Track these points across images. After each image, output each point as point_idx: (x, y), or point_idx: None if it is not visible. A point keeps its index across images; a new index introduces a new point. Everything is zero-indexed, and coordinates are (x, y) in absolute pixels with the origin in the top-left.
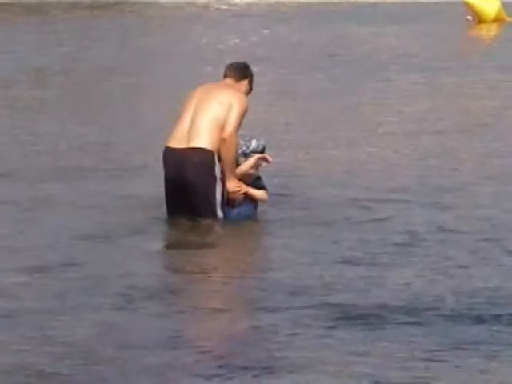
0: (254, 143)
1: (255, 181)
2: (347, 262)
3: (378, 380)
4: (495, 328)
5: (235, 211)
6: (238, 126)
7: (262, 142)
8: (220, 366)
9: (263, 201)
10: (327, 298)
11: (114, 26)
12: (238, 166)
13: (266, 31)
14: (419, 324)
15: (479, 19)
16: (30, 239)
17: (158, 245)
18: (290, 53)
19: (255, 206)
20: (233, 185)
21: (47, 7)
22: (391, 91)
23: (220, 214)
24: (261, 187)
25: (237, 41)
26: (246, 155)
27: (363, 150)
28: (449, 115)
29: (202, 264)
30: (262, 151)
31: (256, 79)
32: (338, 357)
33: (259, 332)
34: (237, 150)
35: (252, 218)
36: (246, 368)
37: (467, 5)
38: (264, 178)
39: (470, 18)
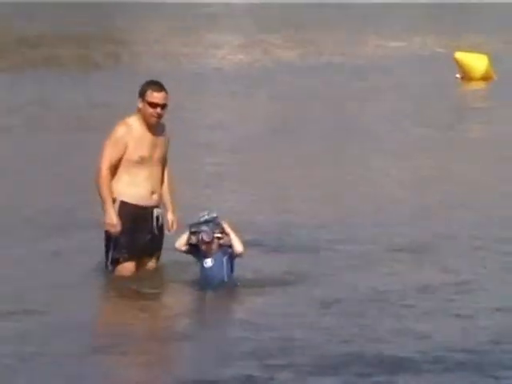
0: (202, 215)
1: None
2: None
3: None
4: None
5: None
6: (105, 159)
7: (205, 215)
8: None
9: (239, 252)
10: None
11: None
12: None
13: None
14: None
15: (467, 76)
16: None
17: None
18: None
19: (230, 258)
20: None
21: None
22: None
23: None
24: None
25: None
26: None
27: None
28: None
29: None
30: (205, 222)
31: None
32: None
33: None
34: (102, 183)
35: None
36: None
37: (456, 61)
38: None
39: (458, 76)
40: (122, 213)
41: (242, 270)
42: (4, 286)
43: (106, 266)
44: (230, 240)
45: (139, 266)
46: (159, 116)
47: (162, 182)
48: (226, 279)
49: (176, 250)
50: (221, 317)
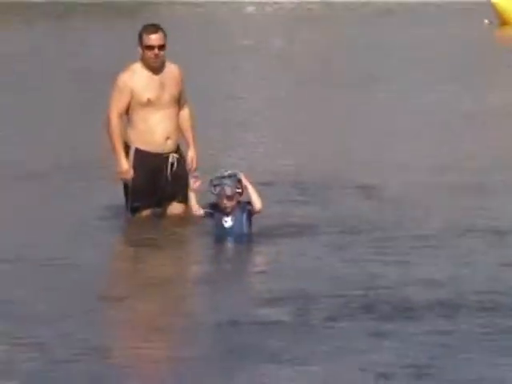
0: (224, 169)
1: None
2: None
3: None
4: None
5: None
6: (112, 107)
7: (228, 170)
8: None
9: (258, 209)
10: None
11: None
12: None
13: None
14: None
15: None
16: None
17: None
18: None
19: (249, 215)
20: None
21: None
22: None
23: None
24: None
25: None
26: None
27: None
28: None
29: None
30: (228, 176)
31: None
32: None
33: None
34: (111, 130)
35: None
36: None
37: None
38: None
39: (486, 21)
40: (136, 160)
41: (259, 218)
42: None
43: (127, 211)
44: (248, 195)
45: (164, 211)
46: (157, 57)
47: (179, 123)
48: (245, 232)
49: (195, 214)
50: (239, 265)
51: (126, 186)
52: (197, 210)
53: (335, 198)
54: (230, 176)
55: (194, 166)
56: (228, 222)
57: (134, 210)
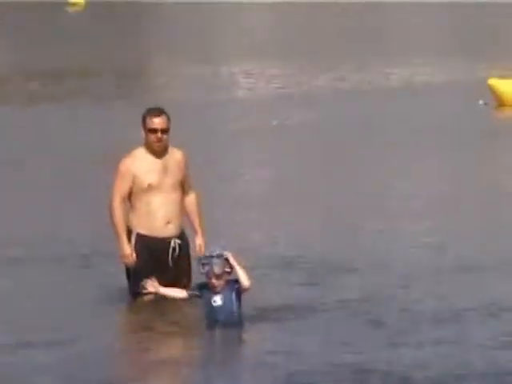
0: (213, 249)
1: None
2: None
3: None
4: None
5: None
6: (115, 192)
7: (216, 250)
8: None
9: (246, 287)
10: None
11: None
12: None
13: None
14: None
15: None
16: None
17: None
18: None
19: (238, 293)
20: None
21: None
22: None
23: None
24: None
25: None
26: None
27: None
28: None
29: None
30: (216, 256)
31: None
32: None
33: None
34: (113, 215)
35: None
36: None
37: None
38: None
39: (481, 102)
40: (138, 245)
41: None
42: None
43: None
44: (235, 274)
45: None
46: (159, 140)
47: (181, 208)
48: (235, 311)
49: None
50: (230, 354)
51: (128, 270)
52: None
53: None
54: (218, 256)
55: (202, 252)
56: (217, 301)
57: (135, 294)
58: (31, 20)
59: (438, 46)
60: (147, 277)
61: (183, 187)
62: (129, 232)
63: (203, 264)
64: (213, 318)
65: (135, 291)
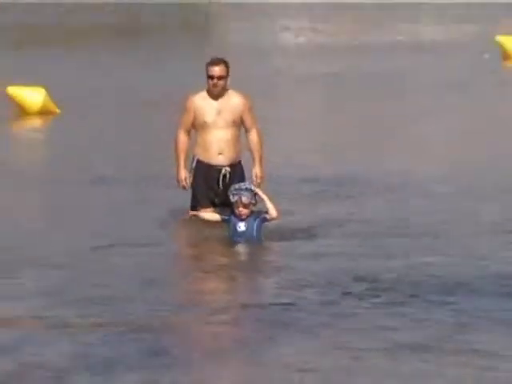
0: (243, 183)
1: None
2: None
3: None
4: None
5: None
6: (179, 125)
7: (246, 184)
8: None
9: (274, 216)
10: None
11: None
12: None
13: None
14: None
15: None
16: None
17: None
18: None
19: (262, 220)
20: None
21: None
22: None
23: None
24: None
25: None
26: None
27: None
28: None
29: None
30: (245, 189)
31: None
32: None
33: None
34: (175, 143)
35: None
36: None
37: None
38: None
39: (486, 56)
40: (196, 169)
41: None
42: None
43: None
44: (264, 205)
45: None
46: (215, 86)
47: (237, 144)
48: (255, 236)
49: (205, 218)
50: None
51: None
52: (215, 216)
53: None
54: (246, 189)
55: (258, 181)
56: (241, 227)
57: (193, 209)
58: None
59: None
60: (202, 196)
61: (242, 125)
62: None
63: (233, 194)
64: (235, 240)
65: (192, 205)
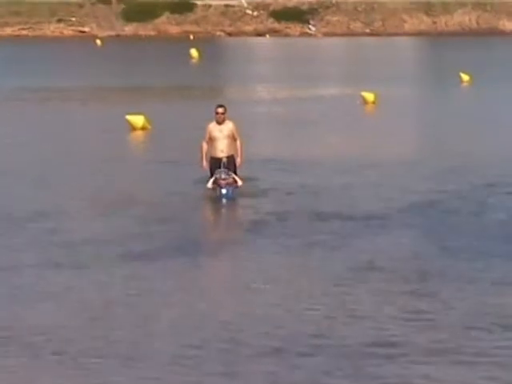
0: (224, 170)
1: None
2: None
3: None
4: None
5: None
6: (204, 139)
7: (225, 170)
8: None
9: (240, 184)
10: None
11: None
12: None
13: None
14: None
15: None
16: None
17: None
18: None
19: (234, 188)
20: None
21: None
22: None
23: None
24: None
25: None
26: None
27: None
28: None
29: None
30: (224, 172)
31: None
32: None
33: None
34: (200, 149)
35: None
36: None
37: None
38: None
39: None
40: (209, 161)
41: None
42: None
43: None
44: (236, 181)
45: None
46: (219, 118)
47: (231, 146)
48: (231, 195)
49: (208, 187)
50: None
51: (211, 171)
52: (210, 184)
53: None
54: (225, 172)
55: (239, 165)
56: (223, 191)
57: (210, 183)
58: None
59: None
60: (211, 172)
61: (233, 138)
62: (206, 157)
63: (219, 173)
64: (221, 197)
65: (209, 181)
